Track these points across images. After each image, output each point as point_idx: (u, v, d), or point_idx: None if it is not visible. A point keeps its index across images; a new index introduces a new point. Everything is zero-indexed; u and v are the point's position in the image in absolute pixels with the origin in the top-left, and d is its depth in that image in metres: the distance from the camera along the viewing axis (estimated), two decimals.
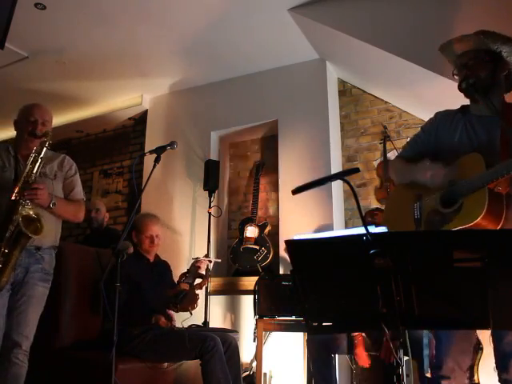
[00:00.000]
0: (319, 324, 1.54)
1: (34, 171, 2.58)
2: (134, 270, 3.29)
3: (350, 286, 1.45)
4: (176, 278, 3.64)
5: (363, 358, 2.98)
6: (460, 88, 2.09)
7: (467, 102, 2.20)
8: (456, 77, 2.20)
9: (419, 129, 2.40)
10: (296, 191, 1.57)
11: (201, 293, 3.72)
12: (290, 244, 1.48)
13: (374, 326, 1.50)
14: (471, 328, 1.86)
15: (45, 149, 2.63)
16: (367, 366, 2.99)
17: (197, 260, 3.62)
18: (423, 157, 2.17)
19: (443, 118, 2.24)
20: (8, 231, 2.45)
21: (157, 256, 3.65)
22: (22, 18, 3.75)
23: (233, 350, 3.20)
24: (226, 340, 3.20)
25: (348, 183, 1.47)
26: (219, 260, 4.34)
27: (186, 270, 3.58)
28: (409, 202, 2.15)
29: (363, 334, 3.00)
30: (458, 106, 2.24)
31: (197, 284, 3.39)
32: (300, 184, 1.61)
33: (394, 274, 1.37)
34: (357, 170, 1.58)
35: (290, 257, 1.48)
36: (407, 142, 2.45)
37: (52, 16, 3.94)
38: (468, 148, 2.04)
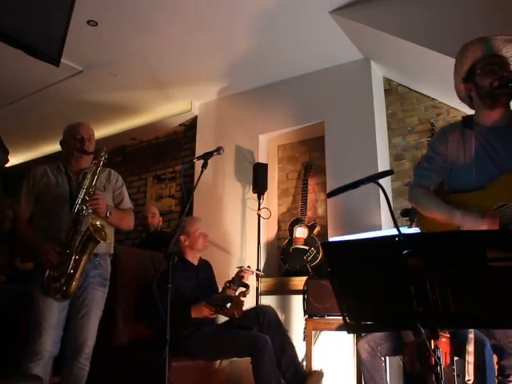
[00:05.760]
0: (356, 323, 1.58)
1: (93, 183, 2.77)
2: (182, 282, 3.35)
3: (385, 286, 1.48)
4: (220, 284, 3.71)
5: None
6: (493, 86, 2.05)
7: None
8: (463, 82, 2.27)
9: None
10: (330, 194, 1.61)
11: (252, 293, 3.79)
12: (326, 246, 1.54)
13: (410, 325, 1.52)
14: (509, 327, 1.84)
15: (102, 163, 2.83)
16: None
17: (241, 270, 3.66)
18: (443, 186, 2.17)
19: (451, 136, 2.22)
20: (75, 240, 2.65)
21: (200, 258, 3.69)
22: (76, 35, 3.93)
23: (270, 317, 3.33)
24: (261, 310, 3.37)
25: (380, 186, 1.49)
26: (262, 273, 4.27)
27: (230, 279, 3.62)
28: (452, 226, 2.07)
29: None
30: None
31: (241, 292, 3.43)
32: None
33: (428, 274, 1.39)
34: (391, 172, 1.61)
35: (326, 258, 1.54)
36: (420, 167, 2.32)
37: (103, 31, 4.14)
38: (489, 166, 2.03)
